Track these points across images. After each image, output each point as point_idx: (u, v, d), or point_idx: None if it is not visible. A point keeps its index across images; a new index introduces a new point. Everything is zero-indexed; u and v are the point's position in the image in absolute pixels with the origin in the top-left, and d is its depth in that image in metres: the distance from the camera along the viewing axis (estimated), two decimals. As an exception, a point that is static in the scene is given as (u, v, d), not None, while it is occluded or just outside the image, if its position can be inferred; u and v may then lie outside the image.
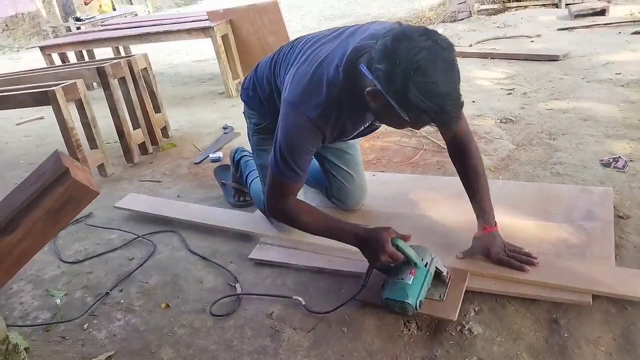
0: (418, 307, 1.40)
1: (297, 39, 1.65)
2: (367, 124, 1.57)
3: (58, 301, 1.80)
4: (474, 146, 1.59)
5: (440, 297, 1.47)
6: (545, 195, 1.91)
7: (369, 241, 1.45)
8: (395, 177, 2.27)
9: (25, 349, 1.54)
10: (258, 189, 1.97)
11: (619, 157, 2.17)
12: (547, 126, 2.65)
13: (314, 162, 2.07)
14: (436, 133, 2.72)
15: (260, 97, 1.74)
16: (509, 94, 3.25)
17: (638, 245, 1.64)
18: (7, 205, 0.94)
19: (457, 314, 1.42)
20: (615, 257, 1.56)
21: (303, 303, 1.57)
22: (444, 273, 1.50)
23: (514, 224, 1.73)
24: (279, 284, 1.71)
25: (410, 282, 1.40)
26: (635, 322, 1.35)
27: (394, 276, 1.45)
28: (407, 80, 1.12)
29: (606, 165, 2.14)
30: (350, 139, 1.67)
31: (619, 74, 3.37)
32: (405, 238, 1.46)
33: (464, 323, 1.43)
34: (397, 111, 1.18)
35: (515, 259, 1.52)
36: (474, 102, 3.14)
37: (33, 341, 1.60)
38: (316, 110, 1.37)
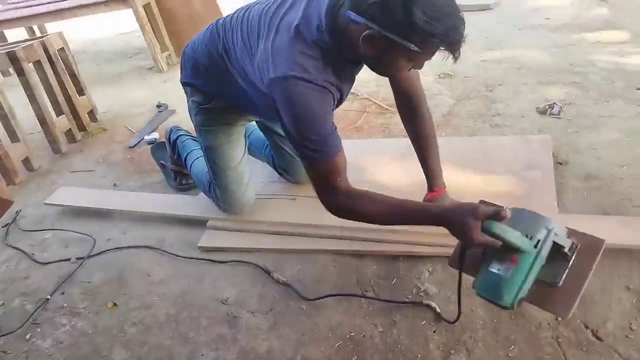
0: (516, 307, 1.07)
1: (242, 12, 1.48)
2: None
3: (-6, 312, 1.67)
4: (425, 107, 1.55)
5: (556, 280, 1.09)
6: (487, 148, 1.94)
7: (453, 225, 1.15)
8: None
9: (-39, 370, 1.43)
10: (200, 171, 1.88)
11: (554, 103, 2.23)
12: (483, 78, 2.68)
13: (259, 134, 1.99)
14: (377, 93, 2.69)
15: (206, 79, 1.59)
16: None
17: (577, 189, 1.69)
18: None
19: (570, 313, 1.05)
20: (557, 203, 1.61)
21: (438, 310, 1.35)
22: (566, 249, 1.09)
23: (459, 179, 1.75)
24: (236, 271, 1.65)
25: (509, 276, 1.06)
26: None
27: (489, 263, 1.10)
28: (409, 5, 1.03)
29: (542, 112, 2.19)
30: None
31: (548, 18, 3.44)
32: (499, 217, 1.07)
33: (419, 285, 1.44)
34: (401, 46, 1.08)
35: None
36: (411, 58, 3.12)
37: (-30, 360, 1.49)
38: (315, 71, 1.22)
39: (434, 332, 1.31)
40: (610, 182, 1.71)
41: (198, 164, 1.91)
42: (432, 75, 2.81)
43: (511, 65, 2.77)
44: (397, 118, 2.38)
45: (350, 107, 2.61)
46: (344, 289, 1.48)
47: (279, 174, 1.95)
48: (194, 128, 1.75)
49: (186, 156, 2.01)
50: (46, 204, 2.14)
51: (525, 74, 2.63)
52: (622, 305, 1.28)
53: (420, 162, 1.58)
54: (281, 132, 1.79)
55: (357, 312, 1.41)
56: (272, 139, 1.86)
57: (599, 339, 1.21)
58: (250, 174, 1.79)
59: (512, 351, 1.22)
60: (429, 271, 1.49)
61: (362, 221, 1.35)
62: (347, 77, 1.35)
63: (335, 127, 1.29)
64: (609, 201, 1.62)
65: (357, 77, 1.41)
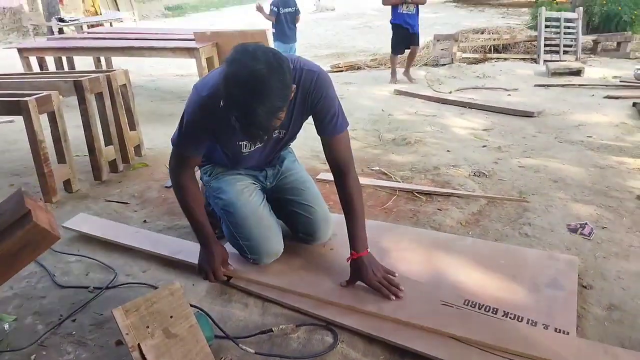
0: None
1: None
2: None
3: (6, 326, 1.70)
4: (352, 177, 1.75)
5: None
6: (512, 258, 1.93)
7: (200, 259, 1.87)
8: (366, 224, 2.26)
9: (-38, 380, 1.45)
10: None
11: (586, 223, 2.23)
12: (518, 184, 2.71)
13: None
14: (411, 179, 2.75)
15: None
16: (484, 146, 3.32)
17: (599, 317, 1.66)
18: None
19: None
20: (577, 328, 1.58)
21: None
22: None
23: (479, 282, 1.76)
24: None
25: None
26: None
27: None
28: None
29: (573, 230, 2.19)
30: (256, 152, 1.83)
31: (590, 136, 3.49)
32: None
33: None
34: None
35: (385, 286, 1.68)
36: (449, 151, 3.20)
37: (-28, 371, 1.51)
38: (208, 90, 1.59)
39: None
40: (634, 315, 1.67)
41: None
42: (467, 171, 2.87)
43: (547, 176, 2.80)
44: (428, 207, 2.43)
45: (383, 187, 2.67)
46: None
47: (299, 237, 2.03)
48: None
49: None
50: (64, 227, 2.20)
51: (561, 188, 2.65)
52: None
53: (346, 225, 1.77)
54: (289, 197, 1.97)
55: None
56: (285, 209, 1.98)
57: None
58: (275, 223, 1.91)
59: None
60: None
61: (177, 197, 1.87)
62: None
63: (203, 144, 1.73)
64: (629, 336, 1.58)
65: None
